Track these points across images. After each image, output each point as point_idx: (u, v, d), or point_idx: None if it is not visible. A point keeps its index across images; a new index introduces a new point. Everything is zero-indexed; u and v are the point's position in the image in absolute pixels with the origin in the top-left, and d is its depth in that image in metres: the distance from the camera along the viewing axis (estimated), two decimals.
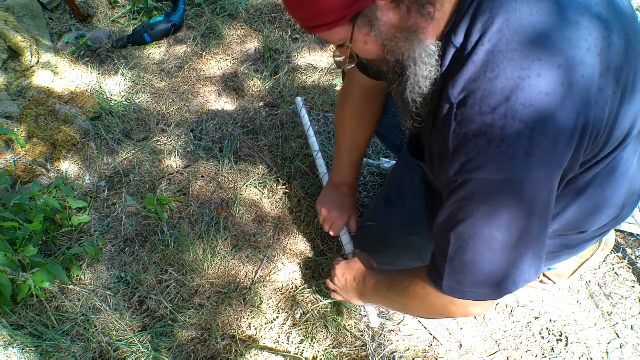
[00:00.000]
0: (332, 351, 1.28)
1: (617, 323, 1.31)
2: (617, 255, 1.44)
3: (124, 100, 1.91)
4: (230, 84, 1.96)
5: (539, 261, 0.72)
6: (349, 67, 0.79)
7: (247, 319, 1.35)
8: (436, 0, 0.65)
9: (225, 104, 1.91)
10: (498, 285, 0.72)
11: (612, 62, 0.66)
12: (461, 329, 1.32)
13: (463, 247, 0.71)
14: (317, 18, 0.68)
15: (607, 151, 0.74)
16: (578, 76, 0.62)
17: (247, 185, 1.64)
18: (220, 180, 1.66)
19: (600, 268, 1.42)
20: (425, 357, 1.28)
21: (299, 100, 1.67)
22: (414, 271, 0.88)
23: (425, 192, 1.01)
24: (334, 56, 0.82)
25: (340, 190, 1.28)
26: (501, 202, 0.66)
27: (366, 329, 1.31)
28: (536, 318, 1.33)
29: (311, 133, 1.52)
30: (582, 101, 0.62)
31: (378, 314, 1.21)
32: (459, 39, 0.66)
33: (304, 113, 1.60)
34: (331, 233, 1.28)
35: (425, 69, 0.68)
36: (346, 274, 1.10)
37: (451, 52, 0.68)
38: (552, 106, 0.61)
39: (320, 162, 1.43)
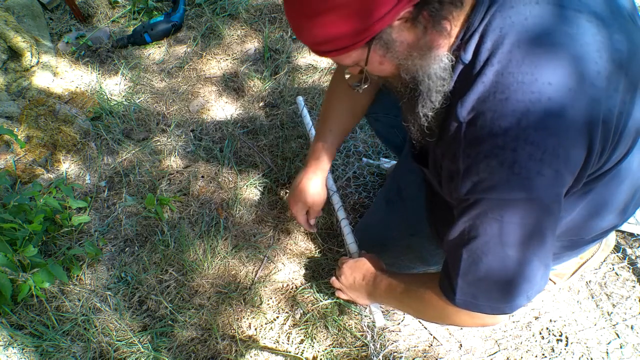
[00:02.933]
0: (332, 351, 1.28)
1: (617, 323, 1.31)
2: (617, 255, 1.44)
3: (124, 100, 1.91)
4: (230, 84, 1.96)
5: (547, 271, 0.73)
6: (364, 87, 0.77)
7: (247, 319, 1.35)
8: (452, 16, 0.65)
9: (225, 104, 1.91)
10: (512, 299, 0.73)
11: (620, 81, 0.65)
12: (461, 329, 1.32)
13: (477, 263, 0.71)
14: (329, 43, 0.65)
15: (610, 165, 0.75)
16: (589, 99, 0.62)
17: (247, 185, 1.64)
18: (220, 180, 1.66)
19: (600, 268, 1.42)
20: (425, 357, 1.28)
21: (300, 99, 1.67)
22: (429, 278, 0.87)
23: (426, 193, 1.01)
24: (345, 74, 0.81)
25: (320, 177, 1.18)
26: (514, 220, 0.66)
27: (367, 329, 1.31)
28: (536, 318, 1.33)
29: (313, 133, 1.52)
30: (591, 122, 0.63)
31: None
32: (467, 56, 0.66)
33: (305, 112, 1.59)
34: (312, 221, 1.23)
35: (439, 83, 0.68)
36: (355, 272, 1.09)
37: (459, 67, 0.67)
38: (563, 128, 0.61)
39: None
